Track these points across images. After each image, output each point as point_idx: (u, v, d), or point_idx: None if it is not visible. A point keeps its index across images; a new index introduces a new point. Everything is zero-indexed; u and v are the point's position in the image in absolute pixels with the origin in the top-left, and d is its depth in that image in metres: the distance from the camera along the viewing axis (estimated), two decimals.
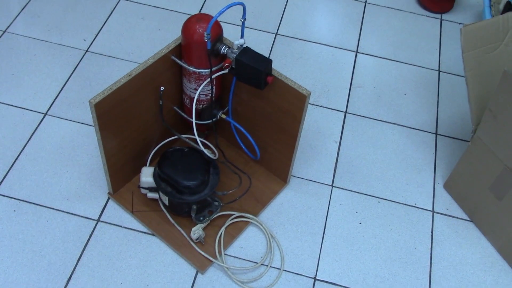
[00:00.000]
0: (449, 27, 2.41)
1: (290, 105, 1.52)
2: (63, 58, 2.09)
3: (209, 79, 1.53)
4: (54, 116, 1.91)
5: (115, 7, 2.30)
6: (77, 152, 1.82)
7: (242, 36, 1.47)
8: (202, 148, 1.61)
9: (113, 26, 2.22)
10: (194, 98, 1.57)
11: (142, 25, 2.25)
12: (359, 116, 2.04)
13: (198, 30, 1.42)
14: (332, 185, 1.83)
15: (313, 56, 2.22)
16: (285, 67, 2.16)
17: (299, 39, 2.28)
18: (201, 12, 2.32)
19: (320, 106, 2.06)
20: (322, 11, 2.41)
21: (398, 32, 2.36)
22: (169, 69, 1.56)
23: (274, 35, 2.28)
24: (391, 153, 1.94)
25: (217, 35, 1.45)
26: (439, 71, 2.23)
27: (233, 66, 1.47)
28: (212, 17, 1.42)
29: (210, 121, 1.67)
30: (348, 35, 2.32)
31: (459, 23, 2.43)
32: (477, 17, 2.49)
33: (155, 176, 1.60)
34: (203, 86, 1.55)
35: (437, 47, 2.32)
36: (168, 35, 2.22)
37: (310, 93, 1.47)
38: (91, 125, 1.88)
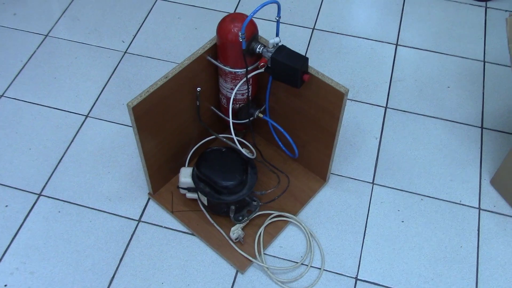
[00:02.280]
0: (494, 16, 2.31)
1: (328, 103, 1.49)
2: (102, 60, 2.12)
3: (245, 79, 1.52)
4: (95, 118, 1.94)
5: (152, 7, 2.32)
6: (118, 153, 1.85)
7: (277, 34, 1.45)
8: (239, 147, 1.60)
9: (150, 26, 2.24)
10: (230, 97, 1.57)
11: (179, 24, 2.26)
12: (400, 111, 1.99)
13: (232, 30, 1.41)
14: (372, 183, 1.79)
15: (351, 50, 2.18)
16: (322, 62, 2.13)
17: (336, 33, 2.24)
18: (237, 10, 2.31)
19: (359, 101, 2.01)
20: (360, 3, 2.36)
21: (440, 22, 2.28)
22: (205, 70, 1.56)
23: (311, 30, 2.25)
24: (434, 148, 1.89)
25: (252, 34, 1.43)
26: (484, 62, 2.14)
27: (269, 65, 1.46)
28: (247, 16, 1.41)
29: (247, 120, 1.66)
30: (387, 27, 2.26)
31: (506, 11, 2.33)
32: None
33: (194, 176, 1.60)
34: (239, 86, 1.54)
35: (481, 37, 2.23)
36: (204, 33, 2.22)
37: (348, 90, 1.44)
38: (131, 126, 1.90)
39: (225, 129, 1.80)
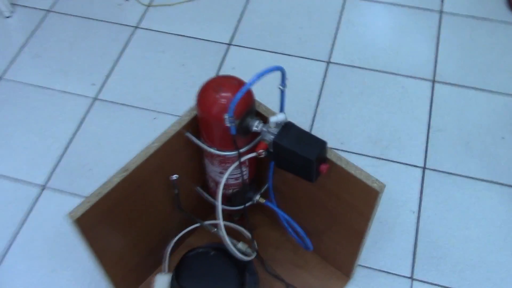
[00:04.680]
0: None
1: (354, 198, 1.07)
2: (67, 109, 1.71)
3: (237, 163, 1.10)
4: (54, 190, 1.53)
5: (129, 38, 1.89)
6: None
7: (282, 109, 1.02)
8: (233, 248, 1.18)
9: (127, 64, 1.82)
10: (220, 182, 1.14)
11: (163, 60, 1.83)
12: (442, 172, 1.55)
13: (218, 105, 0.99)
14: (411, 278, 1.37)
15: (377, 90, 1.74)
16: (341, 107, 1.69)
17: (358, 67, 1.80)
18: (234, 40, 1.87)
19: (389, 160, 1.58)
20: (384, 27, 1.91)
21: (487, 50, 1.83)
22: (184, 149, 1.14)
23: (326, 63, 1.81)
24: (491, 226, 1.45)
25: (246, 108, 1.00)
26: None
27: (271, 150, 1.03)
28: (238, 83, 0.99)
29: (243, 206, 1.24)
30: (420, 57, 1.82)
31: None
32: None
33: None
34: (232, 170, 1.12)
35: None
36: (193, 71, 1.80)
37: (384, 186, 1.01)
38: None
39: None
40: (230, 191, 1.21)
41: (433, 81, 1.76)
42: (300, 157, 0.98)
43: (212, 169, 1.16)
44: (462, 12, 1.93)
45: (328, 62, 1.81)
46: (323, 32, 1.89)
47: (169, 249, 1.33)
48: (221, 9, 1.96)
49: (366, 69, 1.79)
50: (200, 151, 1.17)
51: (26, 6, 1.99)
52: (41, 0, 2.00)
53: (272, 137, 1.00)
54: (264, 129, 1.02)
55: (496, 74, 1.77)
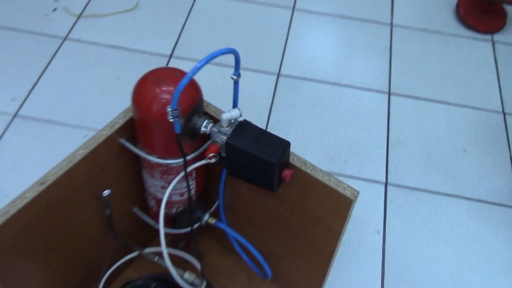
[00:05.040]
0: (505, 51, 1.82)
1: (323, 210, 0.91)
2: None
3: (182, 174, 0.92)
4: None
5: (57, 49, 1.69)
6: None
7: (235, 105, 0.86)
8: (178, 278, 0.99)
9: (53, 77, 1.61)
10: (162, 200, 0.95)
11: (95, 73, 1.64)
12: (405, 188, 1.44)
13: (158, 101, 0.82)
14: None
15: (331, 102, 1.62)
16: (294, 121, 1.55)
17: (309, 79, 1.68)
18: (175, 51, 1.71)
19: (348, 176, 1.45)
20: (335, 39, 1.82)
21: (440, 62, 1.76)
22: (117, 159, 0.95)
23: (276, 76, 1.68)
24: (461, 243, 1.33)
25: (193, 104, 0.84)
26: (504, 113, 1.63)
27: (223, 155, 0.86)
28: (182, 74, 0.82)
29: (189, 229, 1.05)
30: (374, 70, 1.72)
31: None
32: None
33: None
34: (176, 183, 0.94)
35: (494, 80, 1.73)
36: (130, 84, 1.61)
37: (358, 193, 0.86)
38: None
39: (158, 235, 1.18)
40: (174, 210, 1.02)
41: (389, 93, 1.66)
42: (259, 160, 0.81)
43: (153, 183, 0.97)
44: (412, 25, 1.87)
45: (278, 75, 1.68)
46: (271, 44, 1.77)
47: (101, 283, 1.11)
48: (161, 20, 1.80)
49: (318, 81, 1.67)
50: (138, 162, 0.99)
51: None
52: None
53: (224, 138, 0.83)
54: (215, 129, 0.85)
55: (452, 86, 1.69)
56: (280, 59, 1.72)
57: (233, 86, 0.84)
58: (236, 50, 0.75)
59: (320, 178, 0.86)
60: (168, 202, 0.99)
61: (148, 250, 1.11)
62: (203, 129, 0.86)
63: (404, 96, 1.66)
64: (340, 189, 0.85)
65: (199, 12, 1.84)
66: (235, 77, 0.82)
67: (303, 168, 0.87)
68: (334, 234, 0.93)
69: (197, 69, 0.71)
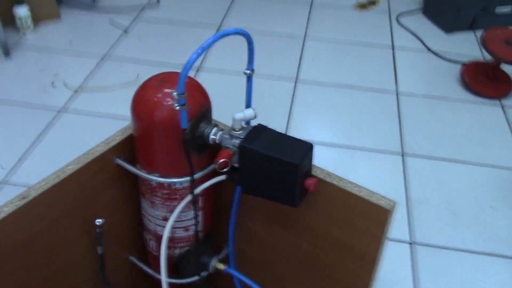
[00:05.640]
0: None
1: (351, 231, 0.77)
2: None
3: (189, 197, 0.79)
4: None
5: (51, 122, 1.62)
6: None
7: (249, 104, 0.77)
8: None
9: (48, 147, 1.53)
10: (163, 237, 0.81)
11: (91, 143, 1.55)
12: (433, 247, 1.29)
13: (162, 102, 0.72)
14: None
15: (344, 166, 1.52)
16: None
17: (318, 143, 1.59)
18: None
19: None
20: (339, 106, 1.76)
21: (452, 125, 1.70)
22: (114, 183, 0.83)
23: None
24: None
25: (200, 108, 0.74)
26: None
27: (235, 165, 0.74)
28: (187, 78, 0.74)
29: (197, 277, 0.90)
30: (385, 133, 1.65)
31: None
32: None
33: None
34: (179, 211, 0.81)
35: (510, 139, 1.65)
36: None
37: (395, 204, 0.73)
38: None
39: None
40: (177, 251, 0.88)
41: (402, 154, 1.57)
42: (278, 164, 0.70)
43: (154, 214, 0.84)
44: (418, 92, 1.84)
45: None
46: (276, 113, 1.71)
47: None
48: None
49: (327, 144, 1.59)
50: (135, 192, 0.87)
51: None
52: None
53: (237, 142, 0.73)
54: (226, 135, 0.75)
55: (468, 146, 1.61)
56: (285, 126, 1.65)
57: (246, 79, 0.75)
58: (247, 32, 0.68)
59: (349, 189, 0.74)
60: (170, 240, 0.85)
61: None
62: (212, 137, 0.75)
63: (419, 156, 1.57)
64: (374, 199, 0.73)
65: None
66: (248, 72, 0.73)
67: (327, 179, 0.75)
68: (368, 263, 0.78)
69: (208, 45, 0.63)
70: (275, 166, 0.71)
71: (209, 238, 0.91)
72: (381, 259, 0.78)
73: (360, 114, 1.73)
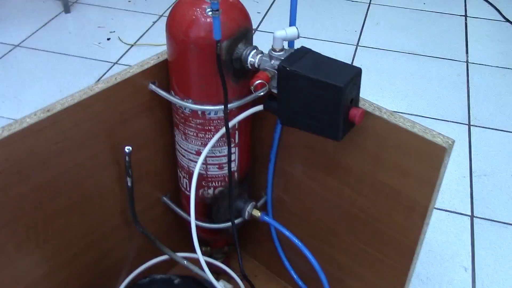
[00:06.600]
0: None
1: (401, 174, 0.68)
2: None
3: (223, 130, 0.73)
4: None
5: (105, 73, 1.61)
6: None
7: (293, 22, 0.69)
8: (212, 279, 0.76)
9: None
10: (194, 172, 0.76)
11: None
12: (496, 222, 1.17)
13: (199, 17, 0.66)
14: None
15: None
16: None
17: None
18: None
19: None
20: (403, 72, 1.65)
21: None
22: (146, 111, 0.78)
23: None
24: None
25: (237, 27, 0.67)
26: None
27: (274, 91, 0.67)
28: None
29: (230, 224, 0.84)
30: (452, 103, 1.52)
31: None
32: None
33: None
34: (214, 144, 0.75)
35: None
36: None
37: (453, 142, 0.64)
38: None
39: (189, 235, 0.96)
40: (211, 191, 0.82)
41: (469, 125, 1.44)
42: (320, 87, 0.62)
43: (187, 148, 0.78)
44: (490, 62, 1.69)
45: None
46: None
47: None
48: None
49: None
50: (170, 125, 0.81)
51: None
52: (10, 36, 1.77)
53: (276, 62, 0.65)
54: (264, 58, 0.67)
55: None
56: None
57: (291, 3, 0.67)
58: None
59: (401, 124, 0.65)
60: (203, 178, 0.80)
61: (181, 254, 0.88)
62: (250, 59, 0.68)
63: (487, 128, 1.43)
64: (429, 136, 0.64)
65: None
66: None
67: (377, 113, 0.67)
68: (418, 216, 0.69)
69: None
70: (317, 91, 0.63)
71: (245, 182, 0.85)
72: (432, 211, 0.69)
73: (424, 82, 1.60)
